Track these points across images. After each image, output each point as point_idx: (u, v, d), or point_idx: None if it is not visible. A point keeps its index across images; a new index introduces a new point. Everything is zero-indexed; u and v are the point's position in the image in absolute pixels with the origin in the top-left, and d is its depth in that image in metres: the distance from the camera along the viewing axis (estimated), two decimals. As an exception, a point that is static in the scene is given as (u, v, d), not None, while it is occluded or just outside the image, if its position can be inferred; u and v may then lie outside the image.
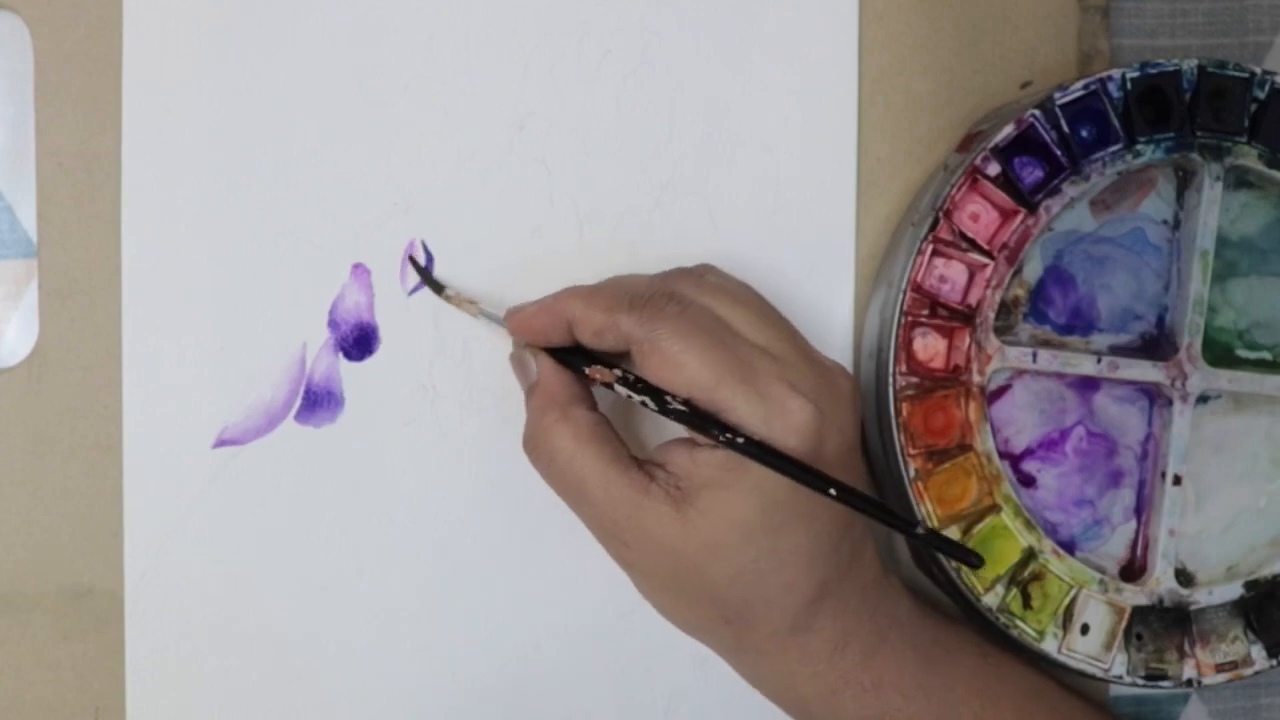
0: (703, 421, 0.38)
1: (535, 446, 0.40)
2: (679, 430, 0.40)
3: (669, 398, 0.38)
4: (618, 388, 0.39)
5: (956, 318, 0.43)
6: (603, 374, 0.40)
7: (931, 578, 0.45)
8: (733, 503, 0.38)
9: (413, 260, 0.44)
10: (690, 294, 0.40)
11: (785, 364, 0.39)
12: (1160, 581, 0.44)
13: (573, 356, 0.41)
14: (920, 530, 0.38)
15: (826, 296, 0.46)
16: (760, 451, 0.37)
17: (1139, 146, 0.43)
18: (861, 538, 0.41)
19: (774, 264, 0.45)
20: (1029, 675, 0.43)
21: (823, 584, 0.39)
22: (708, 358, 0.38)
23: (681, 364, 0.38)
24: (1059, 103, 0.42)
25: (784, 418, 0.38)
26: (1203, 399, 0.45)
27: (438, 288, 0.44)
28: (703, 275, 0.41)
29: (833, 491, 0.37)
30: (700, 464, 0.38)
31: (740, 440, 0.37)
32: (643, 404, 0.39)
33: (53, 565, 0.43)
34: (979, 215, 0.43)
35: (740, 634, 0.40)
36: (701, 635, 0.41)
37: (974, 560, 0.38)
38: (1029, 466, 0.45)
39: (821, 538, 0.39)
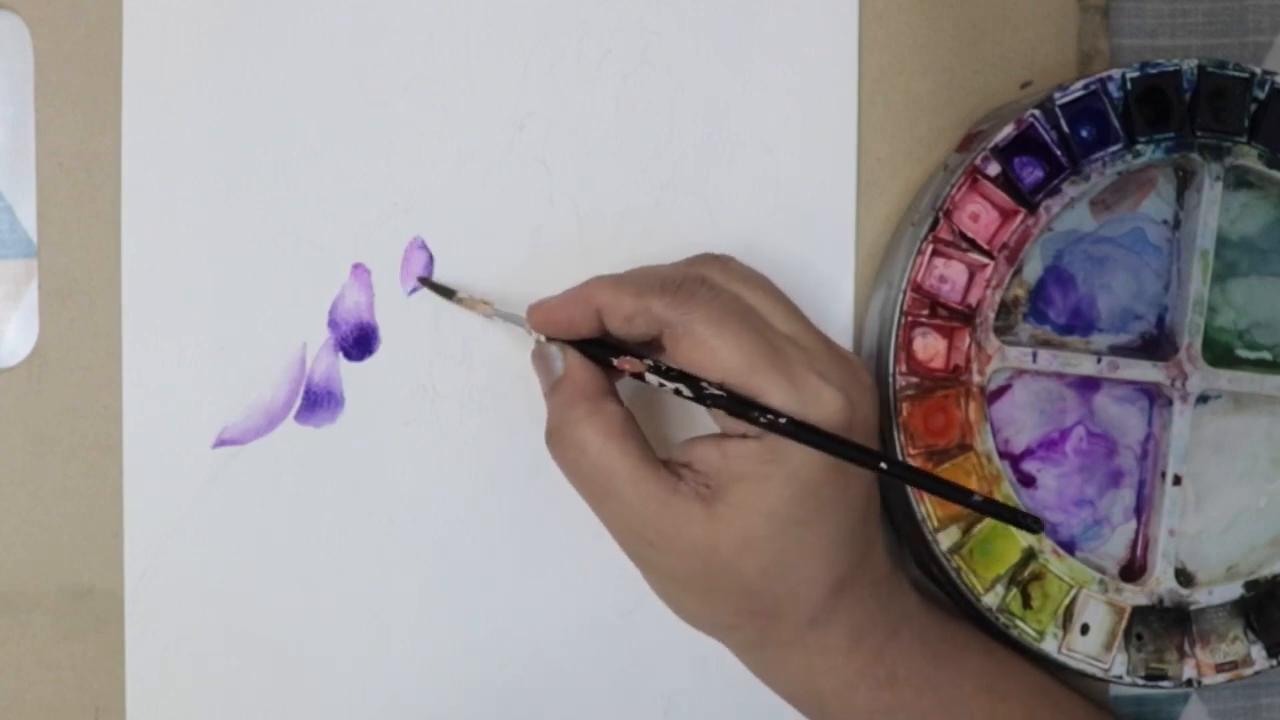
0: (743, 406, 0.37)
1: (562, 439, 0.39)
2: (698, 430, 0.40)
3: (704, 383, 0.38)
4: (649, 376, 0.39)
5: (956, 318, 0.43)
6: (633, 364, 0.39)
7: (932, 578, 0.45)
8: (767, 495, 0.38)
9: (422, 279, 0.44)
10: (720, 280, 0.40)
11: (814, 354, 0.39)
12: (1160, 581, 0.44)
13: (598, 350, 0.40)
14: (977, 499, 0.38)
15: (826, 296, 0.46)
16: (805, 432, 0.37)
17: (1139, 146, 0.43)
18: (874, 533, 0.41)
19: (774, 264, 0.45)
20: (1035, 673, 0.43)
21: (841, 577, 0.39)
22: (741, 343, 0.38)
23: (714, 348, 0.38)
24: (1059, 103, 0.42)
25: (817, 407, 0.37)
26: (1203, 399, 0.45)
27: (448, 293, 0.43)
28: (728, 263, 0.41)
29: (884, 465, 0.37)
30: (732, 458, 0.38)
31: (783, 421, 0.37)
32: (676, 392, 0.38)
33: (53, 565, 0.43)
34: (979, 215, 0.43)
35: (764, 628, 0.40)
36: (722, 633, 0.41)
37: (1033, 525, 0.38)
38: (1029, 466, 0.45)
39: (842, 530, 0.39)
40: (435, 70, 0.44)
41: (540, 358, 0.41)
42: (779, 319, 0.40)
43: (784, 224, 0.46)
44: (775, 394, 0.37)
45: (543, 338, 0.41)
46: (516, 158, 0.45)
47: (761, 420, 0.37)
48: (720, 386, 0.38)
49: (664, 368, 0.39)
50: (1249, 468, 0.46)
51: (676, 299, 0.38)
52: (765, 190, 0.46)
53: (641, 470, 0.38)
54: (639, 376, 0.39)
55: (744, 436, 0.38)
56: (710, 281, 0.39)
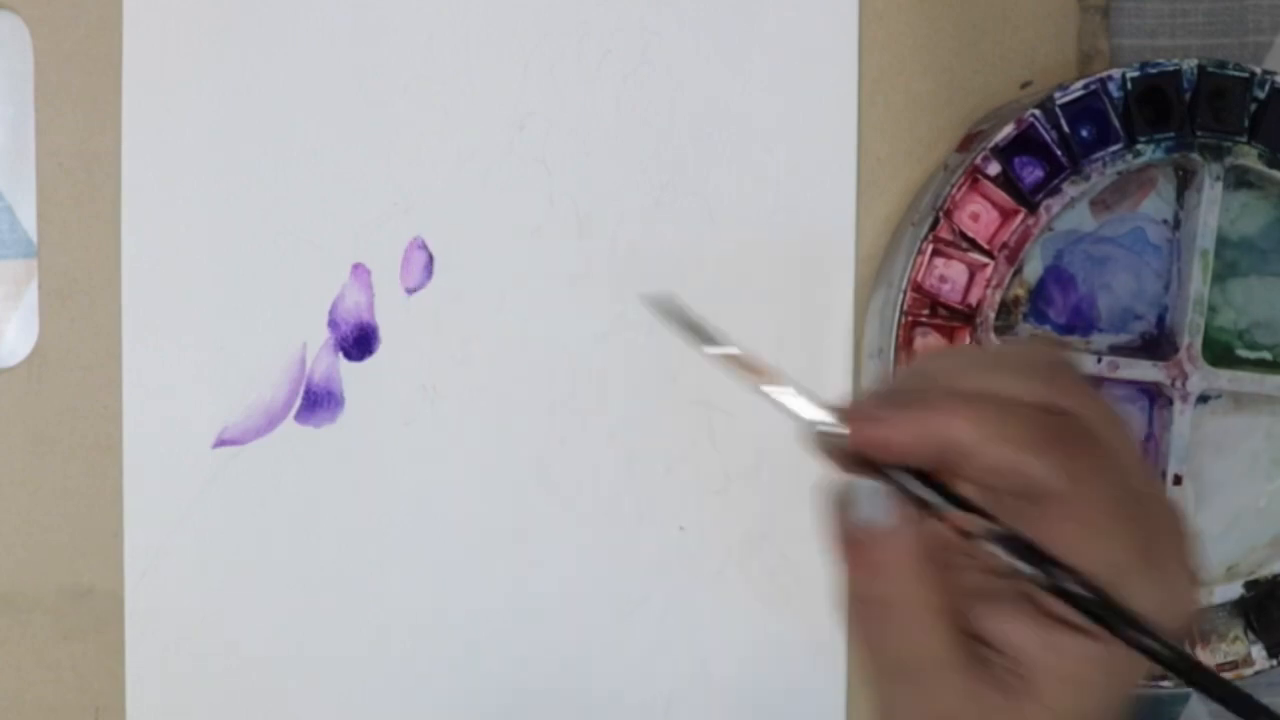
0: (1114, 616, 0.30)
1: (876, 614, 0.31)
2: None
3: (1065, 575, 0.30)
4: (992, 547, 0.30)
5: (957, 317, 0.43)
6: (973, 524, 0.30)
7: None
8: (1088, 701, 0.31)
9: (665, 308, 0.31)
10: (1096, 423, 0.31)
11: (1172, 530, 0.32)
12: (1160, 581, 0.44)
13: (913, 483, 0.31)
14: None
15: (826, 296, 0.46)
16: (1197, 673, 0.31)
17: (1139, 146, 0.43)
18: None
19: (774, 264, 0.45)
20: None
21: None
22: (1131, 533, 0.30)
23: (1100, 536, 0.30)
24: (1059, 103, 0.42)
25: (1176, 604, 0.31)
26: (1203, 399, 0.45)
27: (706, 338, 0.32)
28: (1083, 388, 0.33)
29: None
30: (1065, 656, 0.31)
31: (1164, 650, 0.30)
32: (1020, 572, 0.30)
33: (53, 565, 0.43)
34: (979, 215, 0.43)
35: None
36: None
37: None
38: (1029, 466, 0.45)
39: None
40: (435, 70, 0.44)
41: (848, 496, 0.32)
42: (1141, 478, 0.32)
43: (784, 224, 0.46)
44: (1142, 593, 0.30)
45: (832, 448, 0.31)
46: (516, 158, 0.45)
47: (1132, 637, 0.30)
48: (1087, 583, 0.30)
49: (1014, 538, 0.30)
50: (1249, 468, 0.46)
51: (1063, 460, 0.30)
52: (765, 190, 0.46)
53: (951, 657, 0.31)
54: (967, 536, 0.30)
55: (1079, 630, 0.30)
56: (1093, 432, 0.31)
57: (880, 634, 0.32)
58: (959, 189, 0.42)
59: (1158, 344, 0.45)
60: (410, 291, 0.44)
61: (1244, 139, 0.43)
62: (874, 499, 0.31)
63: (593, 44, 0.45)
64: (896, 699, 0.33)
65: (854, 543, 0.32)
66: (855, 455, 0.31)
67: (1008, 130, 0.42)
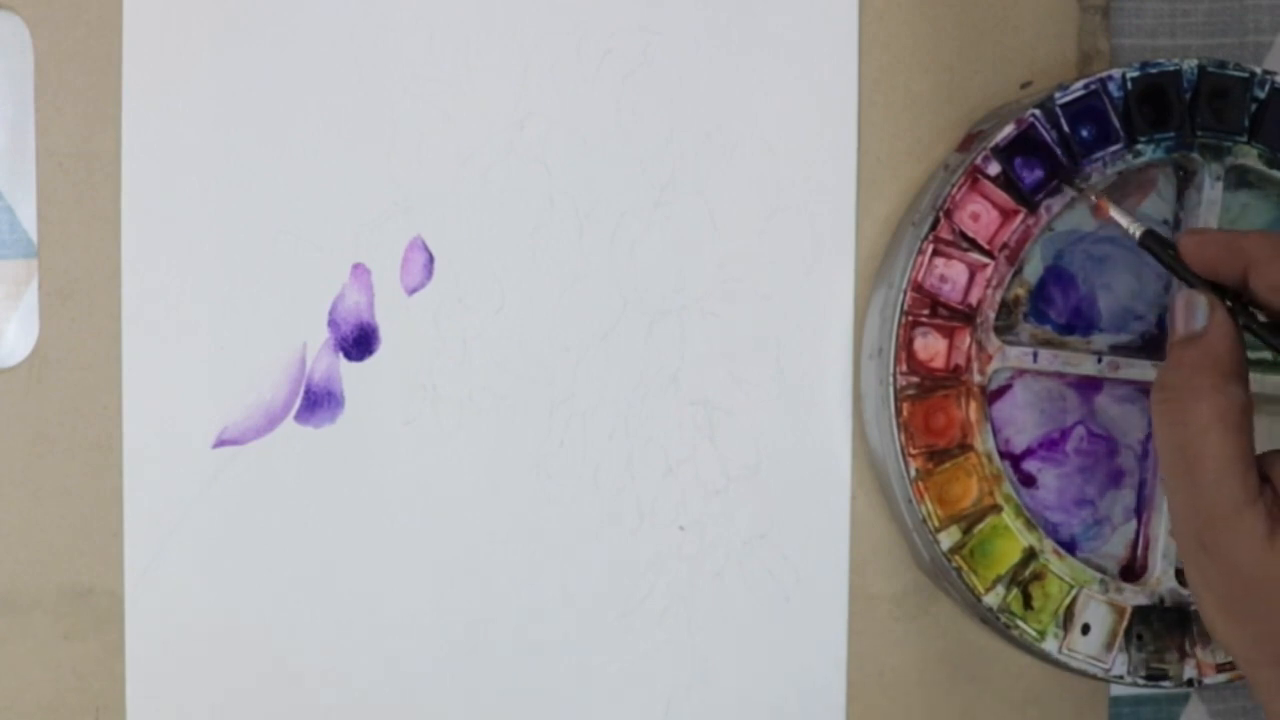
0: None
1: (1170, 399, 0.37)
2: None
3: None
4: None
5: (957, 317, 0.43)
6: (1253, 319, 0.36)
7: (932, 578, 0.45)
8: None
9: (1150, 233, 0.40)
10: None
11: None
12: (1161, 581, 0.44)
13: (1257, 327, 0.38)
14: None
15: (826, 296, 0.46)
16: None
17: (1139, 146, 0.43)
18: None
19: (774, 264, 0.45)
20: None
21: None
22: None
23: None
24: (1059, 102, 0.42)
25: None
26: (1203, 399, 0.45)
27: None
28: None
29: None
30: None
31: None
32: None
33: (53, 565, 0.43)
34: (979, 215, 0.43)
35: None
36: (1247, 667, 0.38)
37: None
38: (1030, 466, 0.45)
39: None
40: (435, 70, 0.44)
41: (1186, 306, 0.38)
42: None
43: (784, 224, 0.46)
44: None
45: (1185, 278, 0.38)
46: (516, 158, 0.45)
47: None
48: None
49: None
50: (1249, 468, 0.46)
51: None
52: (765, 190, 0.46)
53: (1231, 469, 0.35)
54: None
55: None
56: None
57: (1172, 424, 0.37)
58: (959, 189, 0.43)
59: (1158, 344, 0.45)
60: (410, 291, 0.44)
61: (1244, 139, 0.43)
62: (1202, 315, 0.38)
63: (593, 44, 0.45)
64: (1172, 499, 0.37)
65: (1179, 339, 0.38)
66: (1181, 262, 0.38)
67: (1008, 130, 0.42)
